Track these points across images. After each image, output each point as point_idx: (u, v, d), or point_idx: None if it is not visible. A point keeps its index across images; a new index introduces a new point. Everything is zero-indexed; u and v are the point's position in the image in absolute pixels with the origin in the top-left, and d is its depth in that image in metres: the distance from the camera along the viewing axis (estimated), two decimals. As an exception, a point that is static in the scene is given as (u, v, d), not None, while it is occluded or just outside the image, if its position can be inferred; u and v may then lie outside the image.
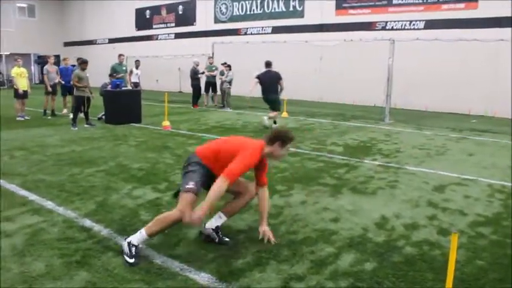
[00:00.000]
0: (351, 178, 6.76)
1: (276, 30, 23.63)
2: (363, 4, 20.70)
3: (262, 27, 24.45)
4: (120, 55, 15.38)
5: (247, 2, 25.12)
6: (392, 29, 19.59)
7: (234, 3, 25.68)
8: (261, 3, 24.49)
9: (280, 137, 4.08)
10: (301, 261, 3.83)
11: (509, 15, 16.44)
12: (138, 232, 3.86)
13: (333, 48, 19.62)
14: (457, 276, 3.57)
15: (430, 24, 18.47)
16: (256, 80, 11.84)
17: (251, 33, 24.86)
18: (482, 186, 6.54)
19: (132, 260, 3.70)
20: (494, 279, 3.59)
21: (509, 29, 16.09)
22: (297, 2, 23.05)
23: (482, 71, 16.85)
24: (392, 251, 4.08)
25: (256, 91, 12.03)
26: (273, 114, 11.94)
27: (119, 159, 7.67)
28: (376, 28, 20.09)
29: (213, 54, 20.91)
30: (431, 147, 9.78)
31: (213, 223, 4.17)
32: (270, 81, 11.83)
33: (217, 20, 26.71)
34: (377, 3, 20.30)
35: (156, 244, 4.07)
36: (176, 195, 4.13)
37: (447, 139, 11.05)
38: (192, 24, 28.11)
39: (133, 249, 3.75)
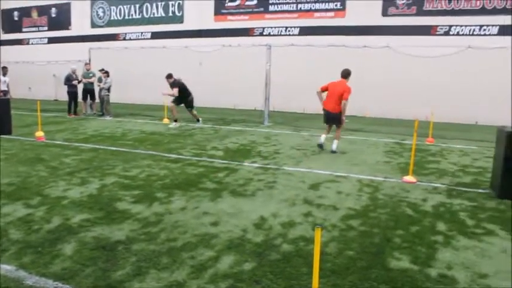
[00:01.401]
0: (231, 181, 6.87)
1: (155, 35, 23.37)
2: (240, 11, 21.20)
3: (142, 33, 24.03)
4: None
5: (125, 6, 24.50)
6: (269, 35, 20.34)
7: (112, 8, 24.92)
8: (139, 8, 24.04)
9: (350, 72, 9.71)
10: (181, 267, 3.81)
11: (373, 24, 17.96)
12: (334, 143, 9.54)
13: (212, 54, 19.85)
14: (329, 267, 3.81)
15: (304, 31, 19.45)
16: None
17: (130, 39, 24.31)
18: (353, 182, 7.03)
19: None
20: (362, 267, 3.87)
21: (372, 36, 17.54)
22: (176, 8, 22.97)
23: (352, 74, 18.06)
24: (271, 250, 4.21)
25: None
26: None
27: (-16, 175, 7.06)
28: (254, 34, 20.71)
29: (90, 60, 20.07)
30: (308, 148, 10.28)
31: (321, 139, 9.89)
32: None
33: (94, 25, 25.73)
34: (254, 9, 20.92)
35: (27, 263, 3.80)
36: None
37: (322, 139, 11.68)
38: (67, 29, 26.77)
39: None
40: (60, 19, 27.00)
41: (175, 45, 20.68)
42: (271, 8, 20.52)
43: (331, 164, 8.47)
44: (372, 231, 4.75)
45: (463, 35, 16.87)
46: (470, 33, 16.80)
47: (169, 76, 14.26)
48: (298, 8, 19.90)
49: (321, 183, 6.86)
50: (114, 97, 17.86)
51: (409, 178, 7.15)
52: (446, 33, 17.15)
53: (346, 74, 9.63)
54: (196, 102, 21.86)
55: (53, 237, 4.43)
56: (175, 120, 14.05)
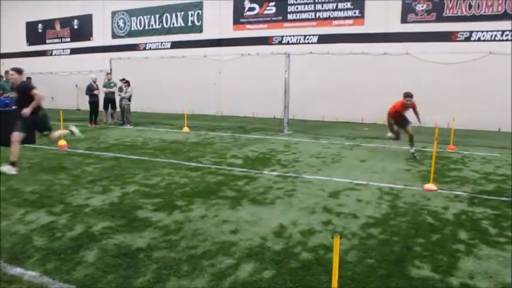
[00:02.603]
0: (250, 189, 6.88)
1: (175, 45, 23.58)
2: (259, 19, 21.29)
3: (161, 42, 24.27)
4: (6, 72, 14.48)
5: (145, 17, 24.80)
6: (288, 43, 20.37)
7: (132, 18, 25.24)
8: (159, 18, 24.30)
9: (408, 95, 10.66)
10: (201, 275, 3.84)
11: (392, 31, 17.90)
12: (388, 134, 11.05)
13: (231, 63, 19.95)
14: (349, 276, 3.80)
15: (323, 39, 19.45)
16: None
17: (150, 49, 24.57)
18: (373, 190, 6.99)
19: None
20: (382, 275, 3.85)
21: (392, 43, 17.47)
22: (195, 17, 23.17)
23: (372, 82, 18.03)
24: (290, 258, 4.21)
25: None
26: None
27: (10, 183, 7.19)
28: (273, 42, 20.76)
29: (111, 70, 20.35)
30: (327, 156, 10.26)
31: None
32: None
33: (115, 35, 26.07)
34: (273, 18, 20.98)
35: (50, 270, 3.88)
36: None
37: (342, 147, 11.66)
38: (89, 39, 27.19)
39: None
40: (82, 30, 27.44)
41: (195, 55, 20.84)
42: (289, 16, 20.57)
43: (350, 172, 8.43)
44: (392, 240, 4.72)
45: (484, 40, 16.66)
46: (492, 38, 16.59)
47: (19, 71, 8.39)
48: (317, 16, 19.91)
49: (340, 191, 6.84)
50: (134, 106, 18.08)
51: (430, 186, 7.08)
52: (467, 39, 16.95)
53: (404, 94, 10.80)
54: (215, 111, 22.31)
55: (75, 244, 4.50)
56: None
